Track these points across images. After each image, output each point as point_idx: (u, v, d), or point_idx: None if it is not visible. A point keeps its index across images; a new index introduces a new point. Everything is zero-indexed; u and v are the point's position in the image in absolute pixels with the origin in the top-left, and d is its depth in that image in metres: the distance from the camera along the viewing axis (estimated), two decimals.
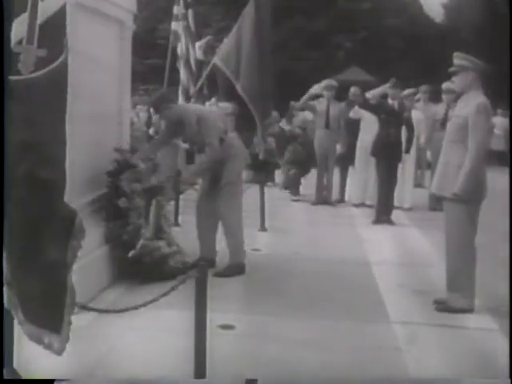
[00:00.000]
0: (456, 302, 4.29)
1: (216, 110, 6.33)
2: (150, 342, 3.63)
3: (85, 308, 3.48)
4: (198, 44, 9.72)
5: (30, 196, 2.60)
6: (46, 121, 2.57)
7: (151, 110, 5.68)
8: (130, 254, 4.62)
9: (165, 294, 3.03)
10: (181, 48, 9.19)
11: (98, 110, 4.71)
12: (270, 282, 4.95)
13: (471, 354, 3.61)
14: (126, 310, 3.20)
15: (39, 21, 2.55)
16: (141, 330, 3.77)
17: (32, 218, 2.61)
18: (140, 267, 4.67)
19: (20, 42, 2.54)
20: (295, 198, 9.54)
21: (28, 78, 2.53)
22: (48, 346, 2.75)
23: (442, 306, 4.34)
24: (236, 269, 5.05)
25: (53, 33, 2.58)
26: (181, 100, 9.09)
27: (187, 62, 9.10)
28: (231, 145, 5.13)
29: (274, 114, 16.03)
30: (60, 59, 2.56)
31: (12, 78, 2.53)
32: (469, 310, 4.25)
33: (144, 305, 3.15)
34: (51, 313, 2.71)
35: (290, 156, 10.06)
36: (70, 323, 2.76)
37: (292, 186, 9.79)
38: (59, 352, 2.76)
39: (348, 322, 4.08)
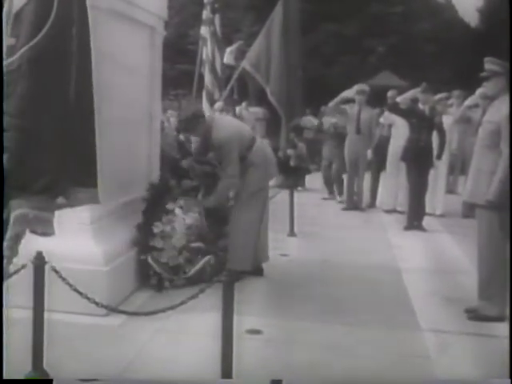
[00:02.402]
0: (487, 311, 4.22)
1: (245, 125, 6.04)
2: (178, 345, 3.65)
3: (114, 310, 3.53)
4: (228, 49, 9.78)
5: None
6: (9, 108, 2.57)
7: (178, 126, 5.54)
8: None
9: (193, 297, 3.04)
10: (206, 53, 9.25)
11: (129, 115, 4.77)
12: (298, 287, 4.93)
13: (502, 362, 3.53)
14: (155, 312, 3.23)
15: (15, 9, 2.58)
16: (169, 333, 3.80)
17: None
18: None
19: (2, 34, 2.60)
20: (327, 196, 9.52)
21: (2, 68, 2.57)
22: None
23: (474, 315, 4.27)
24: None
25: (24, 21, 2.58)
26: (205, 103, 9.16)
27: (213, 66, 9.15)
28: (253, 158, 4.99)
29: (310, 118, 16.06)
30: (26, 47, 2.55)
31: None
32: (500, 319, 4.17)
33: (172, 308, 3.17)
34: None
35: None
36: None
37: (336, 182, 9.76)
38: None
39: (377, 329, 4.04)
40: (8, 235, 2.60)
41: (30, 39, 2.56)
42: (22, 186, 2.59)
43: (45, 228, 2.68)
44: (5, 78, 2.56)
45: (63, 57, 2.64)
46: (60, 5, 2.59)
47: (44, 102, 2.60)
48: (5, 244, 2.61)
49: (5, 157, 2.54)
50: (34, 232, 2.70)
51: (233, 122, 5.67)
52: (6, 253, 2.63)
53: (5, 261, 2.64)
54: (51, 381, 3.00)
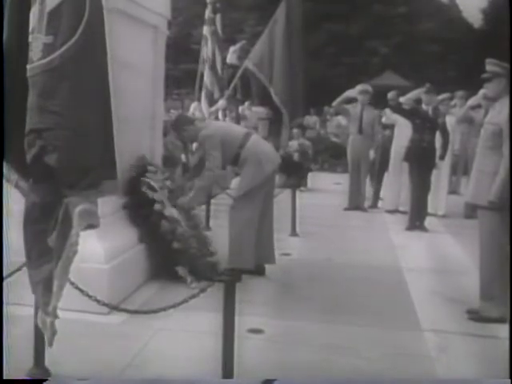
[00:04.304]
0: (489, 312, 4.22)
1: (236, 125, 6.11)
2: (180, 344, 3.66)
3: (116, 309, 3.54)
4: (232, 49, 9.79)
5: (38, 182, 2.64)
6: (52, 107, 2.59)
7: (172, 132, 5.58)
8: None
9: (193, 296, 3.05)
10: (206, 52, 9.25)
11: (132, 114, 4.78)
12: (300, 286, 4.93)
13: (502, 363, 3.53)
14: (156, 311, 3.24)
15: (49, 8, 2.60)
16: (171, 331, 3.81)
17: (40, 205, 2.65)
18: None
19: (32, 32, 2.61)
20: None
21: (35, 66, 2.59)
22: (46, 334, 2.77)
23: (475, 316, 4.27)
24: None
25: (61, 19, 2.60)
26: (204, 102, 9.16)
27: (213, 65, 9.14)
28: (246, 156, 5.00)
29: (314, 118, 16.08)
30: (66, 45, 2.58)
31: (28, 66, 2.60)
32: (502, 320, 4.16)
33: (174, 306, 3.18)
34: (48, 298, 2.74)
35: None
36: (55, 314, 2.73)
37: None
38: (48, 343, 2.77)
39: (378, 329, 4.04)
40: (74, 231, 2.64)
41: (69, 37, 2.59)
42: (73, 182, 2.63)
43: (96, 221, 2.72)
44: (41, 76, 2.58)
45: (97, 55, 2.68)
46: (92, 1, 2.63)
47: (85, 99, 2.64)
48: (73, 240, 2.65)
49: (53, 156, 2.57)
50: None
51: (221, 123, 5.73)
52: (75, 248, 2.66)
53: (70, 255, 2.66)
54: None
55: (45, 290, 2.72)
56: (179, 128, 5.20)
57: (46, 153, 2.58)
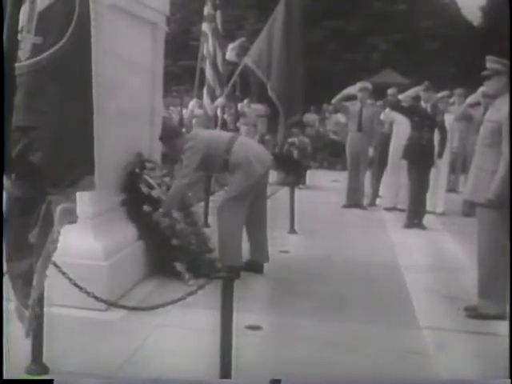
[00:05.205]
0: (487, 309, 4.23)
1: (222, 132, 6.12)
2: (178, 341, 3.66)
3: (114, 305, 3.54)
4: (231, 46, 9.78)
5: (21, 178, 2.65)
6: (39, 106, 2.61)
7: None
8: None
9: (191, 293, 3.06)
10: (207, 48, 9.23)
11: (131, 111, 4.78)
12: (298, 283, 4.94)
13: (501, 360, 3.54)
14: (154, 307, 3.24)
15: (39, 8, 2.60)
16: (169, 328, 3.81)
17: (22, 200, 2.66)
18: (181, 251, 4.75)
19: (21, 31, 2.61)
20: None
21: (23, 65, 2.59)
22: (24, 325, 2.79)
23: (473, 313, 4.28)
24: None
25: (51, 20, 2.61)
26: (206, 99, 9.17)
27: (214, 62, 9.13)
28: (236, 159, 4.92)
29: (313, 116, 16.08)
30: (56, 46, 2.58)
31: (16, 65, 2.61)
32: (500, 317, 4.17)
33: (172, 303, 3.18)
34: (27, 291, 2.75)
35: None
36: (34, 308, 2.74)
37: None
38: (26, 334, 2.79)
39: (376, 326, 4.05)
40: (55, 229, 2.67)
41: (58, 39, 2.60)
42: (56, 180, 2.65)
43: (75, 218, 2.75)
44: (28, 75, 2.58)
45: (83, 56, 2.69)
46: (81, 4, 2.63)
47: (70, 99, 2.65)
48: (54, 237, 2.68)
49: (37, 154, 2.58)
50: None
51: (208, 133, 5.61)
52: (55, 245, 2.70)
53: (50, 250, 2.70)
54: (52, 381, 3.00)
55: (24, 283, 2.73)
56: (167, 142, 5.11)
57: (31, 150, 2.59)
